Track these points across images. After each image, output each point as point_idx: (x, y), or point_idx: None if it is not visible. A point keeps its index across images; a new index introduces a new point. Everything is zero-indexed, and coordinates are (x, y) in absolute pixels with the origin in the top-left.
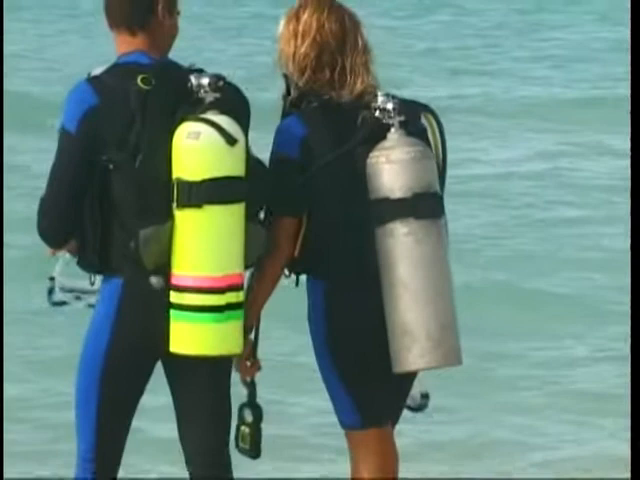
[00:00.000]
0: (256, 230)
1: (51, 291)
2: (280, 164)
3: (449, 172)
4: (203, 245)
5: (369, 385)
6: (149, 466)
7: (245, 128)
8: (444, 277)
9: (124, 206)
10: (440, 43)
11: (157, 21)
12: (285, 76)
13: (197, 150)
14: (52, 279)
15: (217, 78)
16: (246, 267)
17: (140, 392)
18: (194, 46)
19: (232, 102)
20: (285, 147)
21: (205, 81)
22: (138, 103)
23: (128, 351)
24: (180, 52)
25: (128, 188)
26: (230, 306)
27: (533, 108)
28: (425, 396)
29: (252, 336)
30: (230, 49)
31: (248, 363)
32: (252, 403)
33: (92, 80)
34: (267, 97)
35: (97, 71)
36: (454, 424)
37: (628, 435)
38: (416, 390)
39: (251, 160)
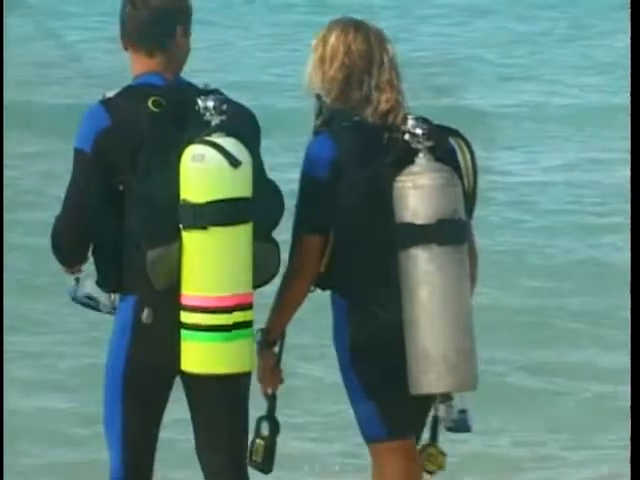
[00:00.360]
0: (266, 249)
1: (75, 291)
2: (309, 183)
3: (493, 179)
4: (209, 266)
5: (393, 397)
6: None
7: (254, 148)
8: (463, 303)
9: (135, 227)
10: (486, 50)
11: (175, 42)
12: (318, 95)
13: (201, 172)
14: (77, 280)
15: (221, 101)
16: (257, 286)
17: (162, 406)
18: (232, 54)
19: (239, 124)
20: (314, 167)
21: (210, 104)
22: (148, 125)
23: (145, 368)
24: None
25: (138, 209)
26: (238, 325)
27: (578, 115)
28: (462, 412)
29: (276, 349)
30: (271, 56)
31: (271, 375)
32: (270, 417)
33: (105, 102)
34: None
35: (111, 93)
36: (472, 436)
37: None
38: (452, 407)
39: (261, 180)
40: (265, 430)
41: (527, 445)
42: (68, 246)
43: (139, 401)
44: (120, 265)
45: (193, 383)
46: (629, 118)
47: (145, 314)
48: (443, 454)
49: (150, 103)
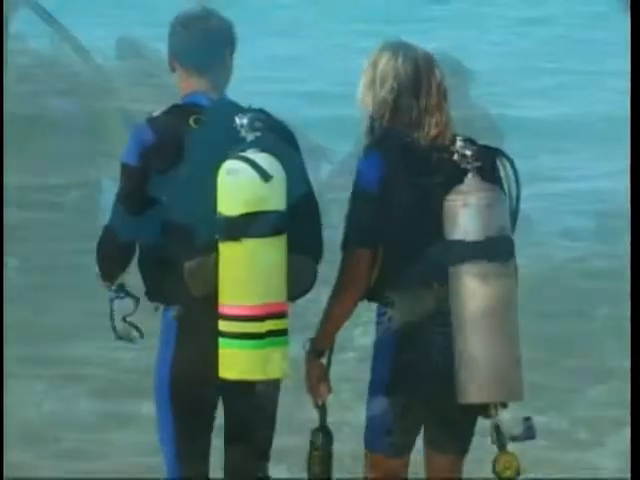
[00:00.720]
0: (301, 261)
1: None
2: (359, 198)
3: (545, 185)
4: (242, 276)
5: (410, 414)
6: None
7: (291, 164)
8: (511, 316)
9: (175, 238)
10: (535, 60)
11: (223, 63)
12: (370, 114)
13: (234, 186)
14: (121, 285)
15: (256, 118)
16: (293, 298)
17: (210, 413)
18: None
19: (273, 140)
20: (364, 183)
21: (245, 121)
22: (189, 142)
23: (189, 374)
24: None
25: (178, 221)
26: (271, 333)
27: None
28: (527, 419)
29: (324, 360)
30: (338, 65)
31: (319, 386)
32: (323, 427)
33: (151, 120)
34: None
35: (157, 112)
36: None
37: None
38: (515, 417)
39: (298, 193)
40: (318, 440)
41: (543, 442)
42: (113, 256)
43: (187, 408)
44: (163, 275)
45: (228, 387)
46: None
47: (176, 310)
48: (516, 457)
49: (191, 121)
